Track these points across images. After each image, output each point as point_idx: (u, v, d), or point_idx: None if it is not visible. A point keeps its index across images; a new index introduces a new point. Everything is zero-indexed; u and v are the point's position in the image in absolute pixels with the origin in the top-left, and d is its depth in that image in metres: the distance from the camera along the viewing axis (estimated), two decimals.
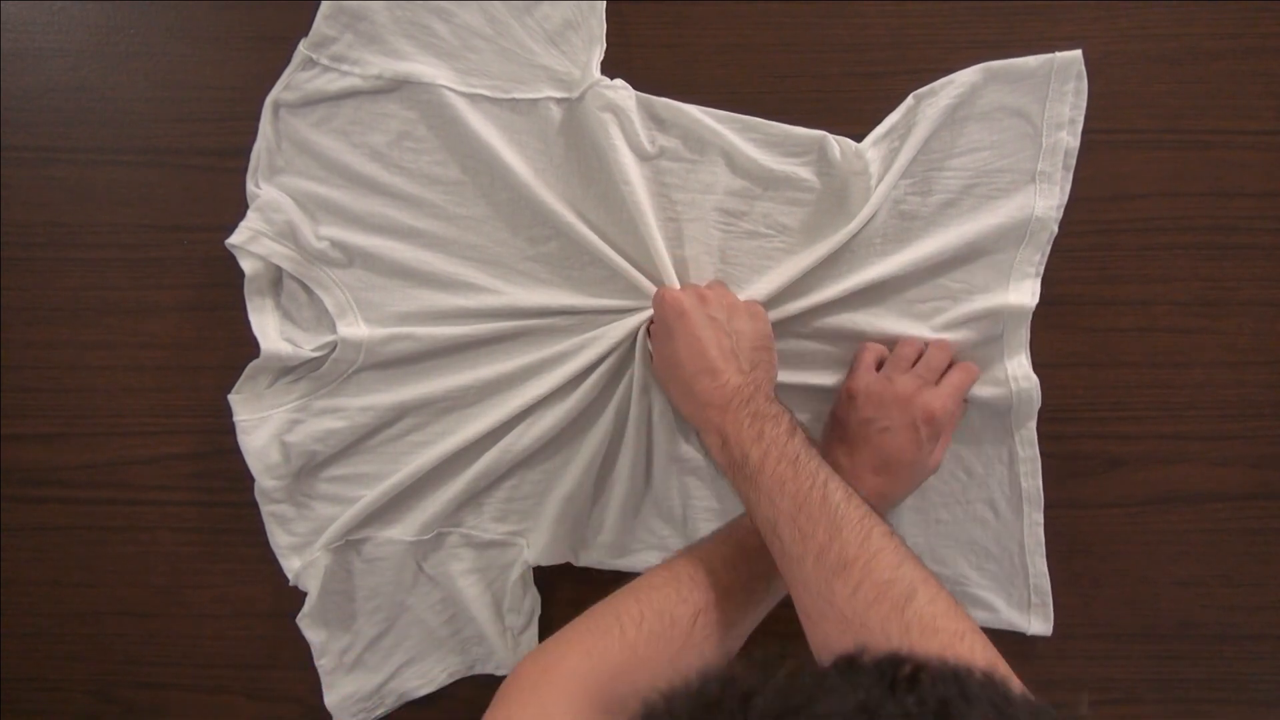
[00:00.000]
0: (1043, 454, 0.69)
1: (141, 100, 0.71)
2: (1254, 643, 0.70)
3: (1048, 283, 0.68)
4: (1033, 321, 0.68)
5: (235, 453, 0.69)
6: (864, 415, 0.62)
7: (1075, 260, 0.69)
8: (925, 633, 0.43)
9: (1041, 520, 0.69)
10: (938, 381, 0.64)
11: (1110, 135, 0.69)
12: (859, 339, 0.67)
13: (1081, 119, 0.67)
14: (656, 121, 0.67)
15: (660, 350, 0.62)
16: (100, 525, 0.73)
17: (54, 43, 0.71)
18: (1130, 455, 0.70)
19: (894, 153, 0.67)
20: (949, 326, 0.67)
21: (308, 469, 0.69)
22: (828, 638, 0.46)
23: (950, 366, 0.66)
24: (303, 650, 0.71)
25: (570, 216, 0.66)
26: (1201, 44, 0.68)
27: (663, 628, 0.50)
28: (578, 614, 0.71)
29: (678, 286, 0.66)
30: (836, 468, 0.55)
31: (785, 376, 0.67)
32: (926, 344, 0.66)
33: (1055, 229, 0.67)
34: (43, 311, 0.72)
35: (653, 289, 0.66)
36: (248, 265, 0.67)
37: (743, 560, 0.56)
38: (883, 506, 0.61)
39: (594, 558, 0.71)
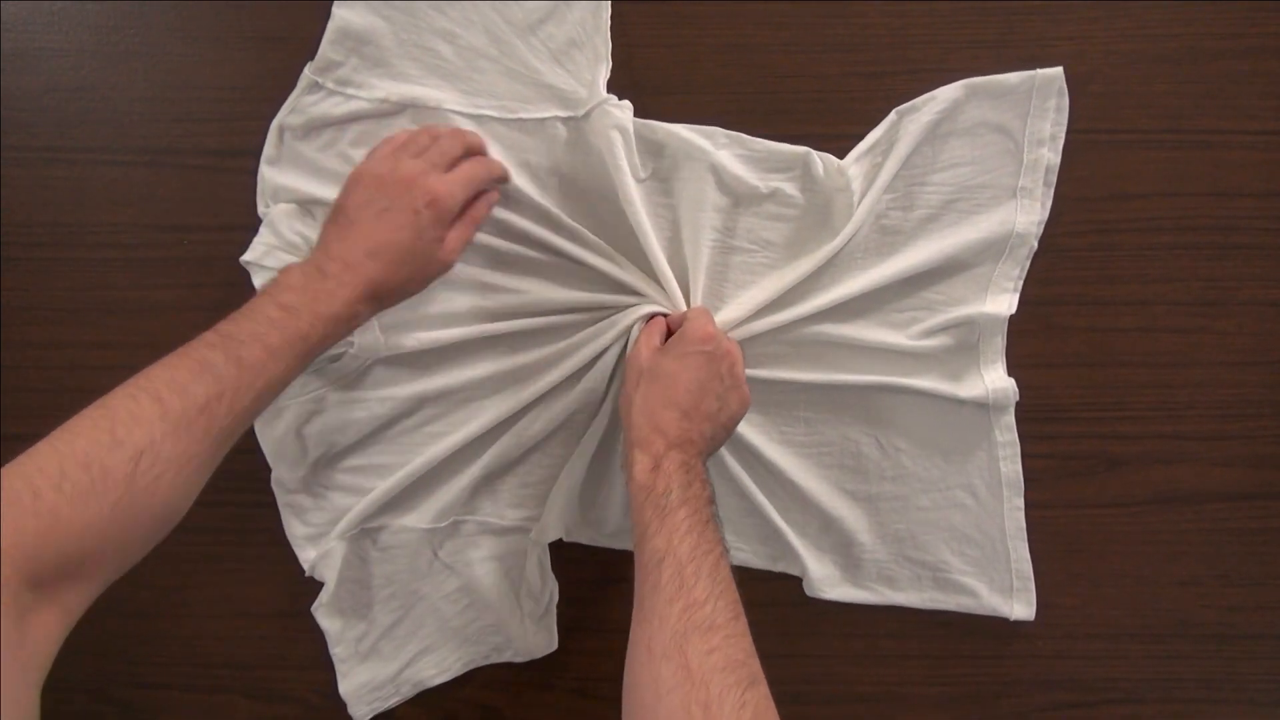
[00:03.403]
0: (1042, 454, 0.69)
1: (141, 100, 0.71)
2: (1253, 643, 0.70)
3: (1048, 282, 0.69)
4: (1033, 321, 0.69)
5: (236, 453, 0.68)
6: (363, 198, 0.59)
7: (1075, 260, 0.69)
8: (756, 718, 0.46)
9: (1022, 505, 0.69)
10: (449, 169, 0.62)
11: (1110, 135, 0.69)
12: (840, 347, 0.68)
13: (1063, 135, 0.67)
14: (646, 144, 0.68)
15: (656, 357, 0.62)
16: None
17: (54, 43, 0.71)
18: (1130, 455, 0.70)
19: (876, 168, 0.67)
20: (927, 334, 0.67)
21: (325, 459, 0.69)
22: (660, 674, 0.48)
23: (467, 158, 0.63)
24: (303, 650, 0.71)
25: (566, 242, 0.67)
26: (1201, 44, 0.68)
27: (90, 482, 0.43)
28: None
29: (683, 307, 0.67)
30: (327, 253, 0.56)
31: (764, 373, 0.68)
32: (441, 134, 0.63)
33: (1035, 244, 0.67)
34: (43, 311, 0.72)
35: (658, 296, 0.67)
36: (260, 281, 0.68)
37: (197, 379, 0.49)
38: (378, 296, 0.58)
39: (586, 534, 0.71)
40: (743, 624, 0.51)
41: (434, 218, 0.59)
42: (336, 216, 0.59)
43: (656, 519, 0.54)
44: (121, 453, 0.45)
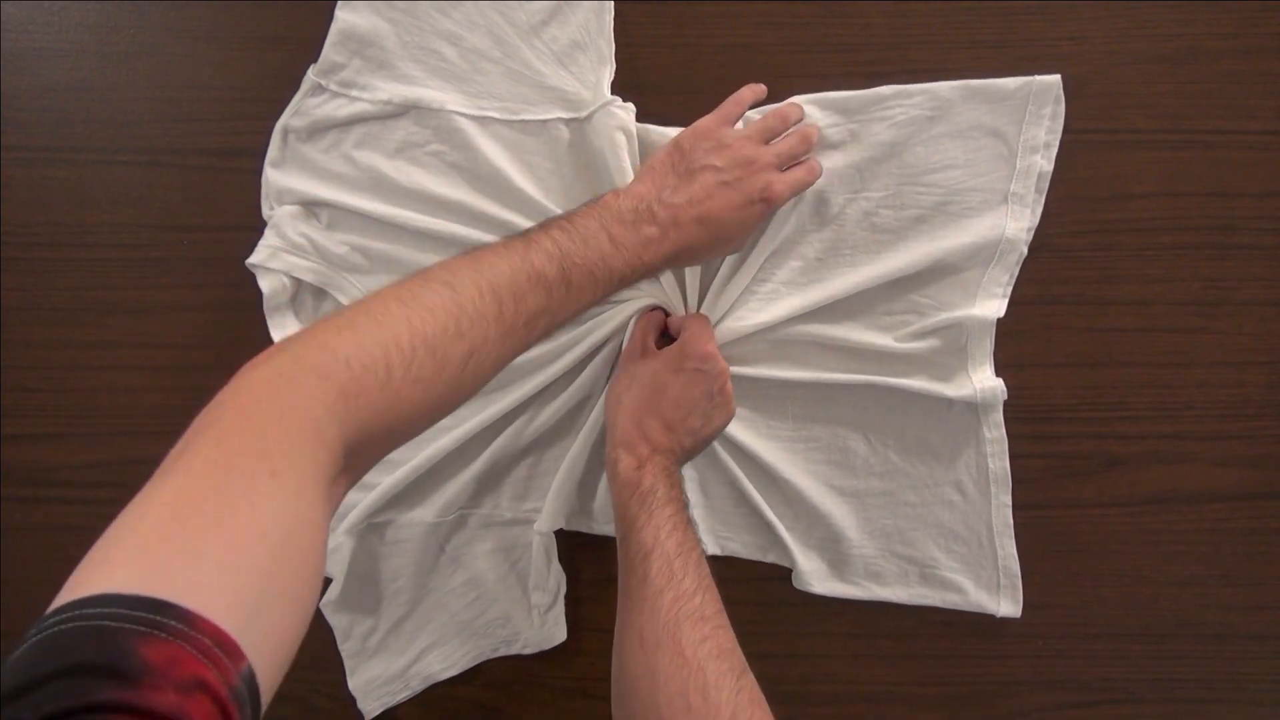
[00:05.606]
0: (1042, 454, 0.69)
1: (141, 100, 0.71)
2: (1253, 643, 0.70)
3: (1047, 282, 0.69)
4: (1033, 321, 0.69)
5: None
6: (709, 159, 0.58)
7: (1075, 260, 0.69)
8: (752, 703, 0.48)
9: (1009, 502, 0.69)
10: (785, 168, 0.62)
11: (1110, 135, 0.69)
12: (828, 348, 0.68)
13: (1057, 143, 0.67)
14: (645, 146, 0.68)
15: (651, 364, 0.63)
16: (100, 525, 0.72)
17: (54, 43, 0.71)
18: (1130, 455, 0.70)
19: (851, 135, 0.67)
20: (916, 337, 0.67)
21: None
22: (655, 662, 0.50)
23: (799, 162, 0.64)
24: (306, 650, 0.71)
25: None
26: (1201, 44, 0.68)
27: (433, 370, 0.43)
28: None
29: (680, 304, 0.67)
30: (660, 198, 0.56)
31: (752, 371, 0.68)
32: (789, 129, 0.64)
33: (1025, 251, 0.67)
34: (43, 311, 0.72)
35: (655, 293, 0.67)
36: (266, 284, 0.68)
37: (532, 290, 0.48)
38: (678, 261, 0.58)
39: (586, 523, 0.72)
40: (726, 618, 0.53)
41: (760, 214, 0.60)
42: (676, 161, 0.58)
43: (644, 514, 0.56)
44: (462, 346, 0.44)
